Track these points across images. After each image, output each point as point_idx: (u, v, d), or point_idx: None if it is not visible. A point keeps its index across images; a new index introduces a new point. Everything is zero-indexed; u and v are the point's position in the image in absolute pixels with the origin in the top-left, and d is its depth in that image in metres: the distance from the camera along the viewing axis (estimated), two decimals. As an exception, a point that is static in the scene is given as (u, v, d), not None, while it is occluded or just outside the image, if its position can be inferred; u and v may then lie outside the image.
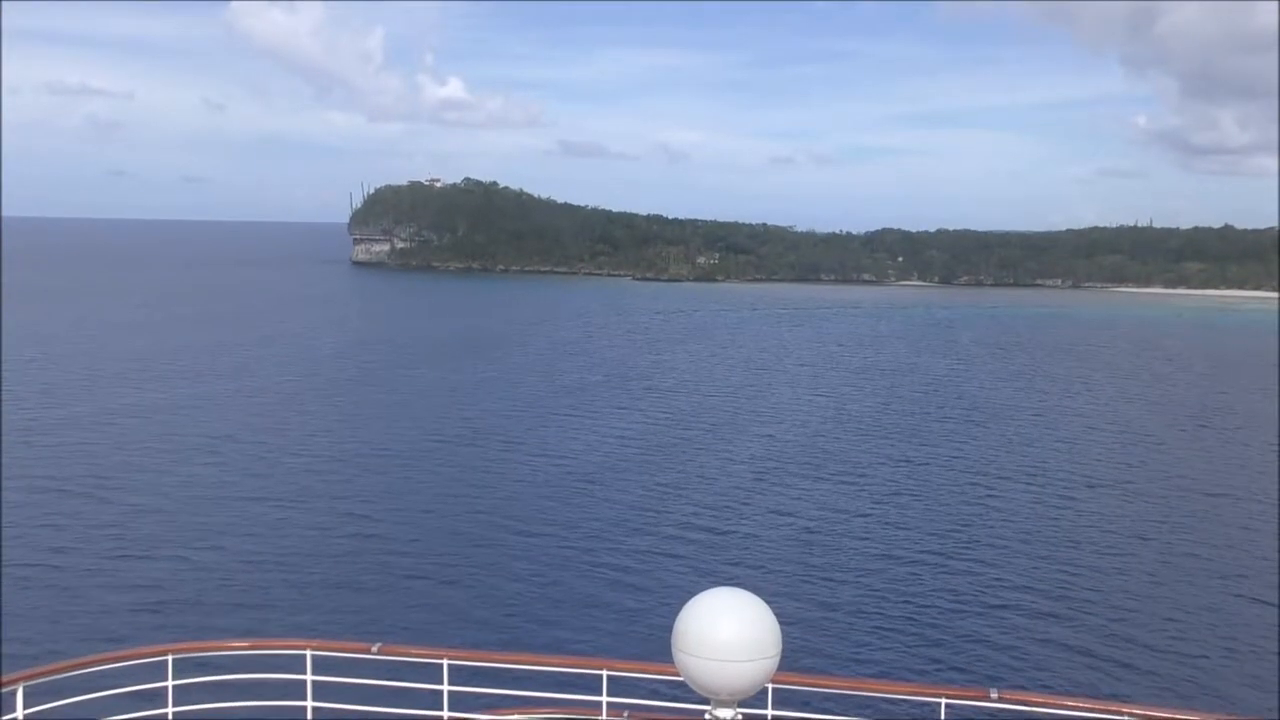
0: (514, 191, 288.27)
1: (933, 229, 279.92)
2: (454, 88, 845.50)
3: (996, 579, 45.47)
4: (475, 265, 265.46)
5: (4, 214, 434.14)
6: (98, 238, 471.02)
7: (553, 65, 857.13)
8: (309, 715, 9.13)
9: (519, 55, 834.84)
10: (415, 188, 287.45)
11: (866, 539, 50.93)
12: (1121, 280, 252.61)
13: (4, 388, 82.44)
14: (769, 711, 8.06)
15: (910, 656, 37.29)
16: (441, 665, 8.85)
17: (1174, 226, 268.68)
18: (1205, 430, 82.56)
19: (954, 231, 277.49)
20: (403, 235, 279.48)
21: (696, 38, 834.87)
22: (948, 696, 8.24)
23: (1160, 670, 36.86)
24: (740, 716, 6.58)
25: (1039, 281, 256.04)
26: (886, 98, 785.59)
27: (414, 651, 9.32)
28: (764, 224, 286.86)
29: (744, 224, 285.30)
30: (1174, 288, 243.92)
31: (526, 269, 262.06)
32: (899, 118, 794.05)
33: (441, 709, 8.92)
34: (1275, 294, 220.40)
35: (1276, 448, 73.37)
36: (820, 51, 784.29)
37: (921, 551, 49.00)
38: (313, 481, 59.35)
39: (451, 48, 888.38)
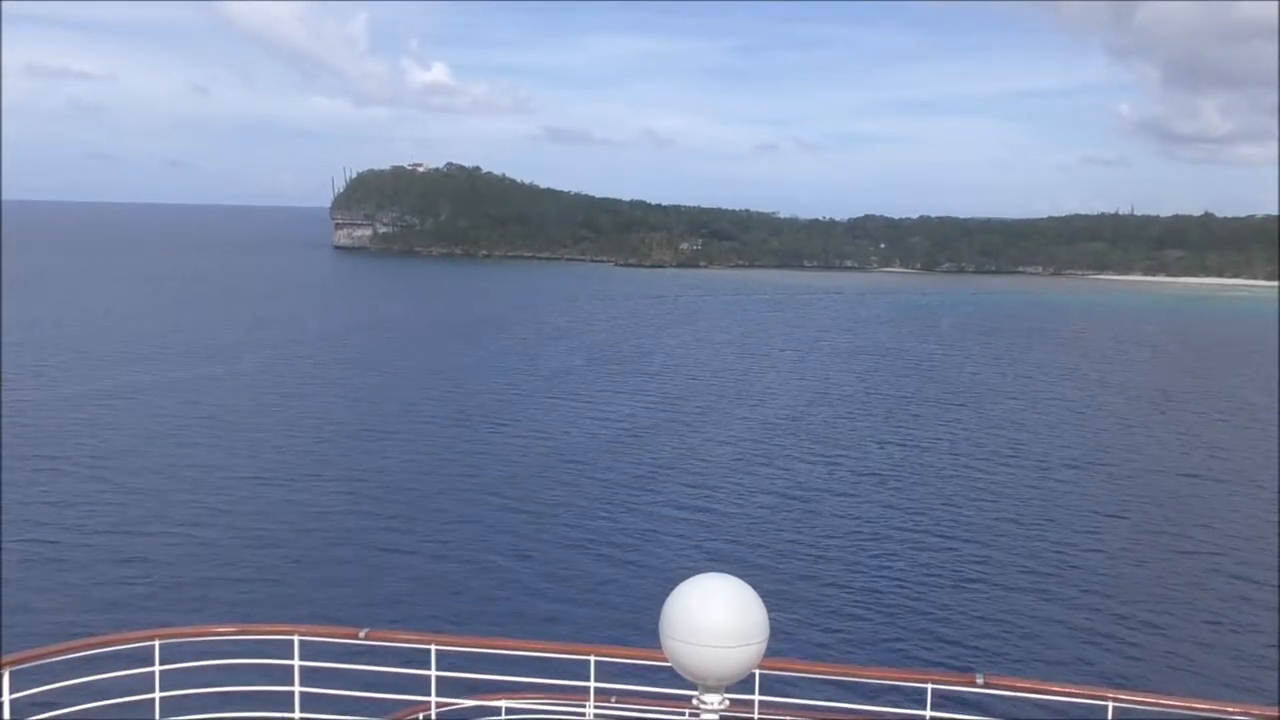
0: (497, 176, 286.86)
1: (915, 216, 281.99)
2: (439, 73, 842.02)
3: (981, 563, 45.80)
4: (458, 250, 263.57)
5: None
6: (79, 221, 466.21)
7: (539, 51, 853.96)
8: (296, 700, 9.10)
9: (505, 40, 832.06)
10: (398, 172, 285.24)
11: (853, 523, 51.16)
12: (1102, 268, 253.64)
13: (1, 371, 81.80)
14: (756, 697, 8.09)
15: (897, 641, 37.53)
16: (429, 651, 8.83)
17: (1155, 214, 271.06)
18: (1185, 414, 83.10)
19: (936, 218, 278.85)
20: (385, 220, 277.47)
21: (684, 24, 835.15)
22: (934, 682, 8.29)
23: (1145, 654, 37.21)
24: (728, 701, 6.61)
25: (1020, 268, 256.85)
26: (873, 85, 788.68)
27: (401, 637, 9.29)
28: (747, 210, 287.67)
29: (727, 210, 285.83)
30: (1154, 275, 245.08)
31: (509, 254, 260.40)
32: (885, 105, 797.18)
33: (429, 694, 8.91)
34: (1255, 281, 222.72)
35: (1275, 432, 73.95)
36: (807, 38, 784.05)
37: (907, 536, 49.28)
38: (299, 465, 59.14)
39: (437, 33, 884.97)
